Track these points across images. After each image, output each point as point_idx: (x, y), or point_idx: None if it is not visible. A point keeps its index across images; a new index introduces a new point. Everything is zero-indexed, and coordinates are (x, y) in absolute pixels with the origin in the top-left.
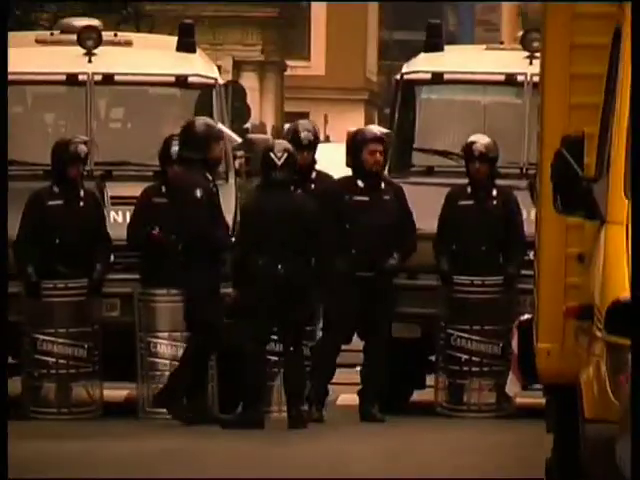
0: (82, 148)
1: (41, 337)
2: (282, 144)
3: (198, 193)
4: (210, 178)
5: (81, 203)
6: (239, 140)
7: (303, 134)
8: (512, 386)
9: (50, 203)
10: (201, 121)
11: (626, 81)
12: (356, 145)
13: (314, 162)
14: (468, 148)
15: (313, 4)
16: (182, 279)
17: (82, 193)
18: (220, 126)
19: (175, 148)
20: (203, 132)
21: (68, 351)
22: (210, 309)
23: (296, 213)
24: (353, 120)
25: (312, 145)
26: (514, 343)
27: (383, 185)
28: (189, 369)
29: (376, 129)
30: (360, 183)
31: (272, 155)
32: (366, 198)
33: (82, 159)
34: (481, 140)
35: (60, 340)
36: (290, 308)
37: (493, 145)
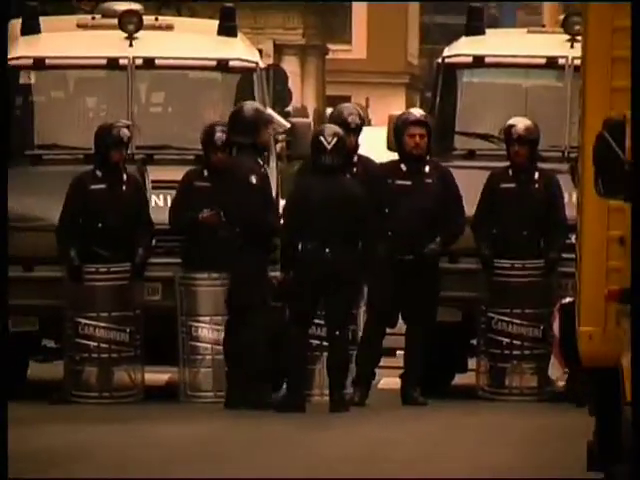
0: (125, 132)
1: (83, 321)
2: (332, 128)
3: (254, 179)
4: (261, 163)
5: (124, 187)
6: (287, 125)
7: (350, 118)
8: (554, 370)
9: (93, 187)
10: (250, 106)
11: None
12: (398, 129)
13: (358, 146)
14: (508, 131)
15: None
16: (233, 262)
17: (125, 177)
18: (269, 111)
19: (220, 134)
20: (253, 117)
21: (110, 335)
22: (257, 292)
23: (345, 198)
24: (394, 104)
25: (358, 129)
26: (555, 327)
27: (427, 168)
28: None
29: (417, 112)
30: (403, 167)
31: (322, 139)
32: (408, 182)
33: (125, 143)
34: (521, 123)
35: (102, 324)
36: (337, 292)
37: (533, 127)
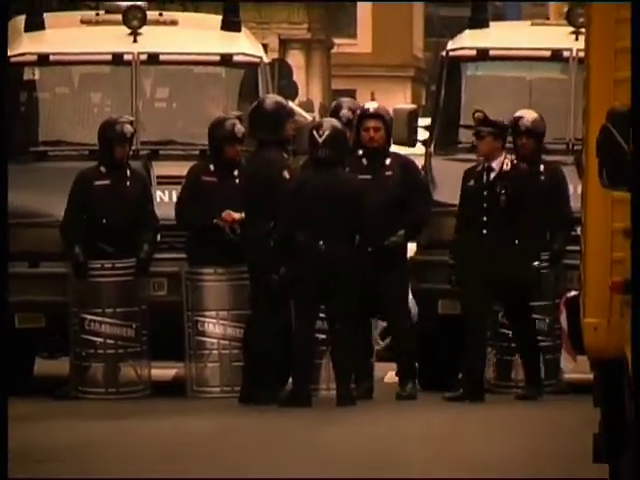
0: (128, 128)
1: (89, 317)
2: (328, 122)
3: (287, 174)
4: (286, 157)
5: (128, 183)
6: (309, 118)
7: (342, 112)
8: (566, 363)
9: (97, 183)
10: (273, 99)
11: None
12: (357, 123)
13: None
14: (515, 123)
15: None
16: (265, 257)
17: (129, 173)
18: (290, 104)
19: (239, 127)
20: (277, 111)
21: (116, 331)
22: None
23: (339, 191)
24: (400, 97)
25: (351, 123)
26: (563, 319)
27: (388, 161)
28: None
29: (372, 106)
30: (364, 161)
31: (314, 133)
32: (369, 176)
33: (128, 139)
34: (528, 115)
35: (108, 320)
36: (334, 285)
37: (540, 120)
